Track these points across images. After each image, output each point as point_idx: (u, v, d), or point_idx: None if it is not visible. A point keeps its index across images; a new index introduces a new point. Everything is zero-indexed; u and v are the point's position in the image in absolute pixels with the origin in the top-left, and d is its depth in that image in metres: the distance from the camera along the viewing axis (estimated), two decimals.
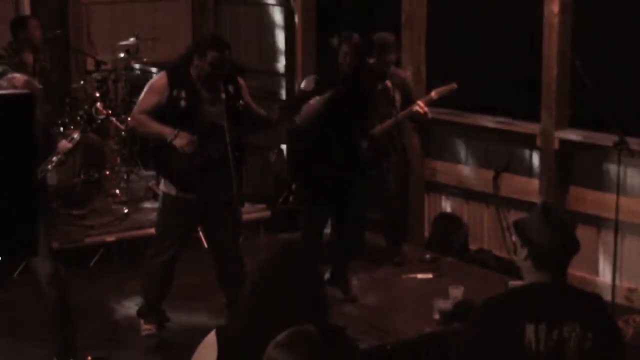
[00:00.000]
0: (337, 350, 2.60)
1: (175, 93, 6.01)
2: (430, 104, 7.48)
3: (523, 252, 3.49)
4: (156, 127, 6.03)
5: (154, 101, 6.05)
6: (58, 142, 5.79)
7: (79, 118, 8.09)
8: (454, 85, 7.40)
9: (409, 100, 7.49)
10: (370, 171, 7.53)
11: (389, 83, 7.46)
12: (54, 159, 5.66)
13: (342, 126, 6.67)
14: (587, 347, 3.38)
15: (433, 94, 7.41)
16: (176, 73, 6.10)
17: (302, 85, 6.81)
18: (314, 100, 6.54)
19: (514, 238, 3.60)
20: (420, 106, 7.31)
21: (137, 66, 9.23)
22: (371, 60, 7.26)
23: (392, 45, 7.46)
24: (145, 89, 6.19)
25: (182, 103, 6.01)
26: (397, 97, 7.52)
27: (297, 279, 3.13)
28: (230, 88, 6.09)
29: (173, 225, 6.19)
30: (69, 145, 5.73)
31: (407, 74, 8.02)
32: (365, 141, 7.14)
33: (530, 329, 3.36)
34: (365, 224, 8.03)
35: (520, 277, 3.63)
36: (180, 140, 5.96)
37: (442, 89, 7.45)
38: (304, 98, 6.63)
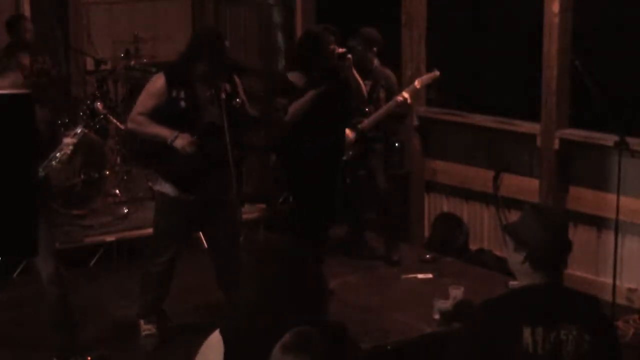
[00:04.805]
0: (343, 350, 2.61)
1: (174, 94, 5.99)
2: (415, 93, 7.51)
3: (520, 256, 3.46)
4: (155, 129, 6.01)
5: (152, 104, 6.03)
6: (62, 137, 5.79)
7: (81, 114, 8.11)
8: (437, 73, 7.43)
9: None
10: (358, 171, 7.56)
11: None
12: (58, 154, 5.65)
13: (327, 120, 6.69)
14: (584, 350, 3.37)
15: (416, 83, 7.44)
16: (175, 73, 6.08)
17: (291, 78, 6.77)
18: (299, 100, 6.58)
19: (507, 242, 3.55)
20: (405, 96, 7.32)
21: (137, 66, 9.23)
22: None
23: (378, 39, 7.49)
24: (144, 90, 6.17)
25: (182, 103, 5.99)
26: (382, 95, 7.54)
27: (298, 275, 3.13)
28: (227, 87, 6.08)
29: (172, 225, 6.19)
30: (74, 140, 5.73)
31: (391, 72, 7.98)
32: (352, 132, 7.24)
33: (527, 332, 3.36)
34: (362, 224, 8.06)
35: None
36: (181, 141, 5.94)
37: (425, 78, 7.49)
38: (293, 92, 6.64)
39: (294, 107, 6.61)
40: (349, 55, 6.76)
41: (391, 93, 7.50)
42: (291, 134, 6.70)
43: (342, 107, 6.87)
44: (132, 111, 6.18)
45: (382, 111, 7.44)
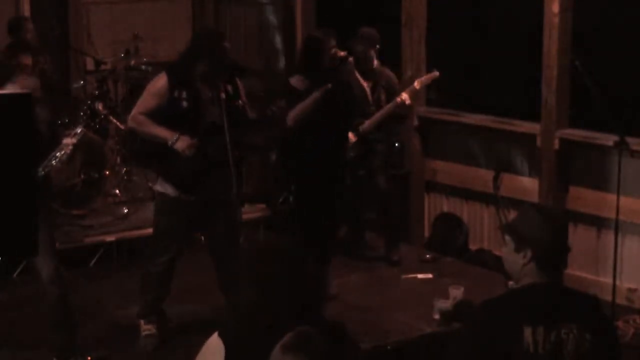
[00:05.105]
0: (343, 350, 2.61)
1: (176, 94, 5.99)
2: (415, 94, 7.51)
3: (525, 255, 3.44)
4: (156, 129, 6.00)
5: (153, 104, 6.03)
6: (62, 137, 5.79)
7: (82, 114, 8.11)
8: (436, 74, 7.43)
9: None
10: (359, 171, 7.56)
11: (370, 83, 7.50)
12: (58, 154, 5.66)
13: (329, 122, 6.68)
14: (585, 349, 3.37)
15: (416, 84, 7.44)
16: (176, 73, 6.07)
17: (292, 82, 6.76)
18: (301, 104, 6.57)
19: (506, 242, 3.53)
20: (403, 97, 7.32)
21: (137, 66, 9.23)
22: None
23: (378, 39, 7.49)
24: (145, 90, 6.17)
25: (184, 104, 5.99)
26: (383, 96, 7.54)
27: (298, 275, 3.14)
28: (229, 88, 6.09)
29: (172, 225, 6.18)
30: (73, 140, 5.74)
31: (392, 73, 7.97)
32: (353, 134, 7.24)
33: (528, 331, 3.35)
34: (362, 224, 8.06)
35: None
36: (181, 143, 5.94)
37: (424, 79, 7.49)
38: (295, 97, 6.63)
39: (296, 111, 6.58)
40: (351, 59, 6.78)
41: (391, 94, 7.50)
42: (293, 136, 6.70)
43: (344, 109, 6.86)
44: (133, 110, 6.17)
45: (382, 112, 7.45)
